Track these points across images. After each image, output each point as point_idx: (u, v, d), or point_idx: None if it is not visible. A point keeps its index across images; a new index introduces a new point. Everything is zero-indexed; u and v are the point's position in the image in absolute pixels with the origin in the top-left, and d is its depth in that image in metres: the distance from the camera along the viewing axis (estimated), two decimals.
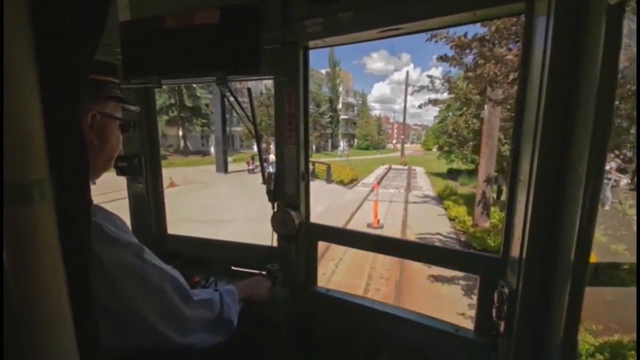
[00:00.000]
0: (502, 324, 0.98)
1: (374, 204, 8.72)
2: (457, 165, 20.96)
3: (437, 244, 6.91)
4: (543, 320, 0.87)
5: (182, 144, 30.75)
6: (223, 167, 19.77)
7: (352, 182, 17.24)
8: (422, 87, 9.29)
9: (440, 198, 12.84)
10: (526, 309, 0.90)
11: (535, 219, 0.85)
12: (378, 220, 8.69)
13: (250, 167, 19.24)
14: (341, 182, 16.53)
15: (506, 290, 0.96)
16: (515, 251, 0.95)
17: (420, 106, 10.24)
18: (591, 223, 0.72)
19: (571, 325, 0.76)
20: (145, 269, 0.78)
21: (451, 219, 9.28)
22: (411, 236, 7.46)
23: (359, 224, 8.80)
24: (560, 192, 0.81)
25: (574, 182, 0.76)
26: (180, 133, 30.39)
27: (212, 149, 27.32)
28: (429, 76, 9.31)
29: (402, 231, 8.29)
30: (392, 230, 8.31)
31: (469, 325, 1.21)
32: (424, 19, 1.07)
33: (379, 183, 12.11)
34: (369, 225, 8.61)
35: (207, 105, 30.98)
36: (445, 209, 10.62)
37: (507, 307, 0.95)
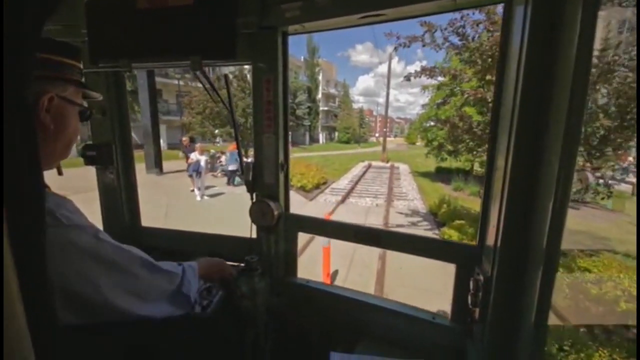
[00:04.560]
0: (477, 310, 1.01)
1: (323, 254, 4.73)
2: (448, 163, 17.40)
3: None
4: (516, 306, 0.89)
5: None
6: (155, 167, 15.25)
7: (317, 187, 13.23)
8: (414, 38, 5.28)
9: (434, 215, 9.03)
10: (500, 296, 0.92)
11: (510, 208, 0.87)
12: (331, 280, 4.77)
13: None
14: (302, 189, 12.48)
15: (481, 277, 0.99)
16: (490, 239, 0.98)
17: (407, 78, 6.29)
18: (563, 212, 0.76)
19: (542, 310, 0.81)
20: (102, 247, 0.77)
21: None
22: None
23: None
24: (534, 182, 0.83)
25: (547, 172, 0.79)
26: None
27: (162, 142, 22.74)
28: (424, 23, 5.33)
29: None
30: None
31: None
32: (405, 4, 1.06)
33: (333, 210, 8.13)
34: None
35: (158, 91, 26.33)
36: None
37: (482, 294, 0.98)
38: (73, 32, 1.30)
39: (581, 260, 5.23)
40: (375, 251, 6.15)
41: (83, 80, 0.82)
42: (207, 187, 11.04)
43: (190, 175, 10.20)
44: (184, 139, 13.30)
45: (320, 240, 5.25)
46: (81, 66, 0.80)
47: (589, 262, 5.29)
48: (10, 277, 0.37)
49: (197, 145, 10.64)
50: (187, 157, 10.49)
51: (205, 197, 10.12)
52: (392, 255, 6.00)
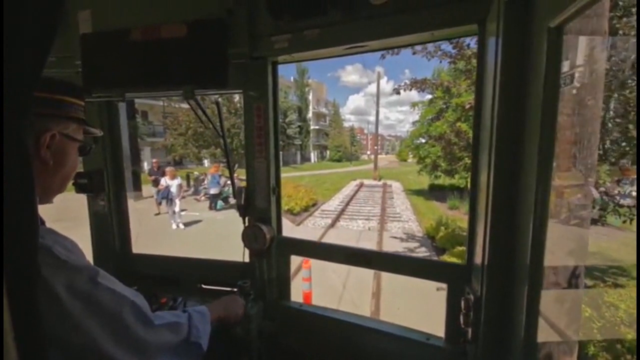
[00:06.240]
0: (470, 330, 1.02)
1: (304, 300, 3.92)
2: (442, 180, 16.85)
3: None
4: (506, 324, 0.89)
5: None
6: (134, 191, 14.33)
7: (306, 209, 12.42)
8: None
9: (431, 239, 8.27)
10: (490, 314, 0.92)
11: (494, 226, 0.89)
12: None
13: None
14: (290, 212, 11.66)
15: (472, 297, 0.99)
16: (478, 258, 1.00)
17: (397, 91, 5.71)
18: (543, 228, 0.77)
19: (530, 326, 0.80)
20: (97, 293, 0.72)
21: None
22: None
23: None
24: (514, 201, 0.85)
25: (527, 191, 0.80)
26: None
27: (145, 164, 21.82)
28: None
29: None
30: None
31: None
32: (387, 37, 1.11)
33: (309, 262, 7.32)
34: None
35: (144, 112, 25.70)
36: None
37: (473, 313, 0.98)
38: (66, 64, 1.35)
39: (606, 295, 4.57)
40: (368, 288, 5.32)
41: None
42: (184, 210, 10.11)
43: (160, 203, 9.31)
44: (153, 161, 12.34)
45: (300, 282, 4.45)
46: (83, 104, 0.80)
47: (615, 295, 4.63)
48: (4, 316, 0.36)
49: (168, 169, 9.71)
50: (157, 182, 9.55)
51: (182, 226, 9.20)
52: (388, 295, 5.17)
